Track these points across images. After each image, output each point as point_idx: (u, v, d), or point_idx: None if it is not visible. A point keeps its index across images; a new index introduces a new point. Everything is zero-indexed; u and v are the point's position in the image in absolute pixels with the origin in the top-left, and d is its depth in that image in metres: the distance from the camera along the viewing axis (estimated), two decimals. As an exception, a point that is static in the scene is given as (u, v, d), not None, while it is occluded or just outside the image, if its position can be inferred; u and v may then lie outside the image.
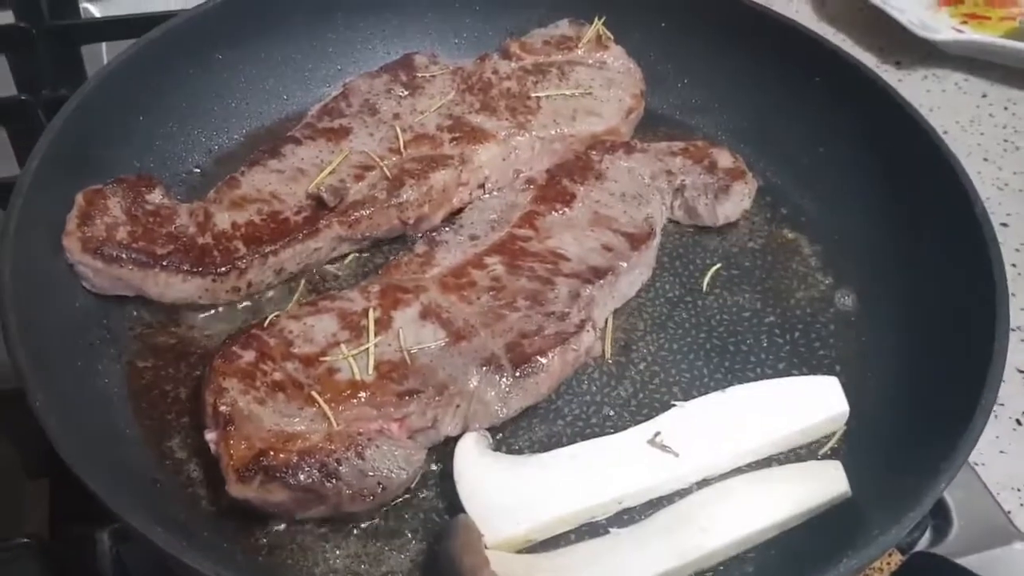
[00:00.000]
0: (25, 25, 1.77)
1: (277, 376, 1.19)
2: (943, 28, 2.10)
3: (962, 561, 1.20)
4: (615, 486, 1.16)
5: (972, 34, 2.09)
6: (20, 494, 1.32)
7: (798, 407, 1.25)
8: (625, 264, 1.38)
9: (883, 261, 1.42)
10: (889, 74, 2.07)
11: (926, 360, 1.28)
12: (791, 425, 1.23)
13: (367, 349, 1.22)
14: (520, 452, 1.24)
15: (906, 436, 1.21)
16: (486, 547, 1.07)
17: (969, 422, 1.08)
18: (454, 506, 1.14)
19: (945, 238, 1.34)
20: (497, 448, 1.23)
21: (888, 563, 1.18)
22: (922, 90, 2.04)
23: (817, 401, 1.25)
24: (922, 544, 1.27)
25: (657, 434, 1.19)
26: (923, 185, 1.41)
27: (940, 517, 1.29)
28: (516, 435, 1.26)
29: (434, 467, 1.22)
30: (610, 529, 1.15)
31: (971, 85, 2.07)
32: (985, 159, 1.89)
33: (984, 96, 2.05)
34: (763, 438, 1.22)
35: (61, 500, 1.27)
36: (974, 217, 1.29)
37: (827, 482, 1.17)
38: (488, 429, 1.23)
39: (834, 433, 1.26)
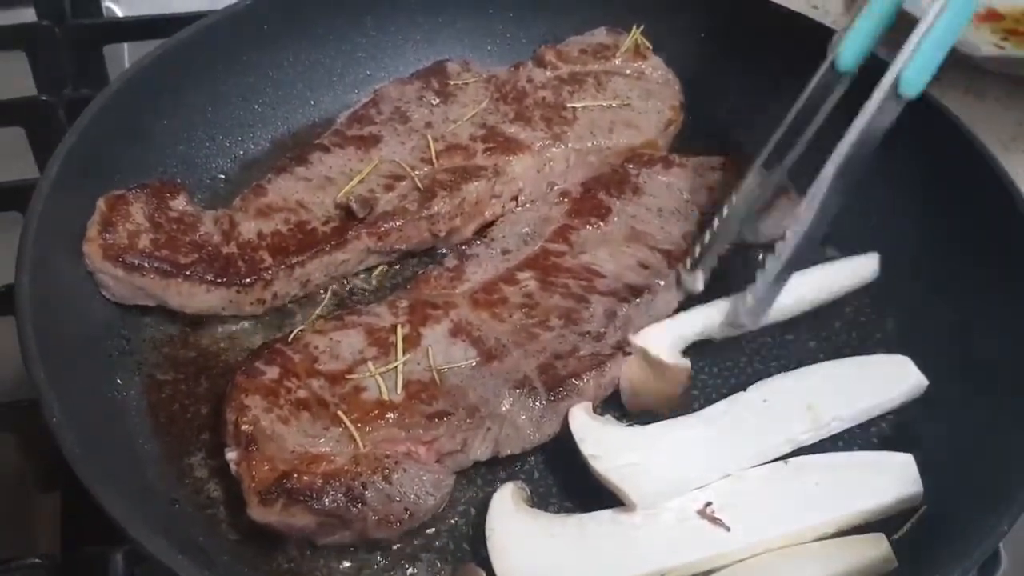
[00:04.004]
0: (47, 24, 1.73)
1: (301, 394, 1.15)
2: (984, 44, 2.04)
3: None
4: (657, 558, 1.07)
5: (1014, 50, 2.03)
6: (31, 509, 1.29)
7: (867, 486, 1.14)
8: (662, 282, 1.34)
9: (931, 282, 1.37)
10: (928, 90, 2.01)
11: (979, 389, 1.22)
12: (858, 506, 1.13)
13: (395, 367, 1.18)
14: (555, 493, 1.19)
15: (958, 471, 1.15)
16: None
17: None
18: (483, 535, 1.09)
19: (1002, 260, 1.28)
20: (534, 490, 1.17)
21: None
22: (962, 106, 1.98)
23: (889, 480, 1.14)
24: (969, 583, 1.22)
25: (708, 504, 1.11)
26: (972, 202, 1.36)
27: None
28: (549, 467, 1.21)
29: (459, 493, 1.17)
30: None
31: (1012, 101, 2.01)
32: (1028, 178, 1.83)
33: (1026, 113, 1.99)
34: (825, 517, 1.11)
35: (73, 516, 1.23)
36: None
37: (870, 553, 1.09)
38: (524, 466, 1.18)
39: (908, 517, 1.14)
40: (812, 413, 1.20)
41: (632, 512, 1.10)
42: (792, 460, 1.17)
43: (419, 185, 1.39)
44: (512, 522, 1.10)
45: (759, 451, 1.17)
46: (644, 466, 1.12)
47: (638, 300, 1.30)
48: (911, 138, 1.43)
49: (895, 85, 1.16)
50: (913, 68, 1.15)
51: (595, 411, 1.20)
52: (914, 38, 1.15)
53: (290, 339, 1.20)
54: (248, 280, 1.27)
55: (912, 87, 1.16)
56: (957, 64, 2.02)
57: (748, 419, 1.19)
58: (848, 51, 1.22)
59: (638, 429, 1.19)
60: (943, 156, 1.43)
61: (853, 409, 1.23)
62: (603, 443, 1.15)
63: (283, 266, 1.29)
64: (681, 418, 1.21)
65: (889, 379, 1.27)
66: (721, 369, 1.32)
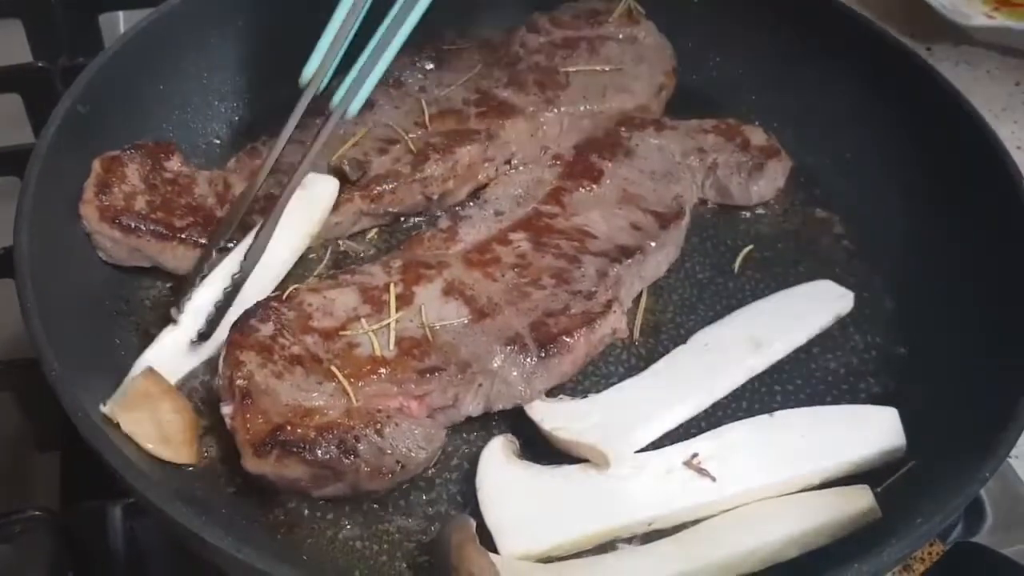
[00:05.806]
0: (43, -9, 1.74)
1: (295, 350, 1.16)
2: (975, 14, 2.05)
3: (997, 554, 1.16)
4: (645, 508, 1.09)
5: (1005, 20, 2.03)
6: (31, 467, 1.31)
7: (851, 439, 1.16)
8: (654, 244, 1.35)
9: (921, 246, 1.38)
10: (920, 58, 2.02)
11: (966, 349, 1.24)
12: (842, 458, 1.14)
13: (388, 325, 1.19)
14: (545, 447, 1.19)
15: (942, 425, 1.17)
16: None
17: (1015, 410, 1.04)
18: (474, 486, 1.11)
19: (987, 223, 1.30)
20: (527, 443, 1.18)
21: (930, 552, 1.15)
22: (953, 77, 1.97)
23: (873, 433, 1.16)
24: (955, 536, 1.24)
25: (695, 456, 1.13)
26: (964, 169, 1.37)
27: (973, 509, 1.25)
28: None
29: (451, 446, 1.19)
30: (618, 545, 1.10)
31: (1003, 72, 2.02)
32: (1019, 147, 1.85)
33: (1017, 84, 2.00)
34: (810, 469, 1.13)
35: (73, 474, 1.25)
36: (1019, 202, 1.25)
37: (854, 504, 1.10)
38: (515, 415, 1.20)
39: (894, 470, 1.15)
40: (755, 342, 1.24)
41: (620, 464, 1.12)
42: (778, 413, 1.18)
43: (412, 148, 1.40)
44: (502, 473, 1.12)
45: (717, 385, 1.21)
46: (608, 424, 1.14)
47: (629, 261, 1.32)
48: (903, 107, 1.46)
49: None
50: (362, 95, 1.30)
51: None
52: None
53: (284, 297, 1.21)
54: (242, 241, 1.28)
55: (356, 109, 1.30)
56: (948, 34, 2.03)
57: (697, 363, 1.23)
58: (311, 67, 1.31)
59: (592, 398, 1.20)
60: (935, 122, 1.44)
61: (793, 331, 1.27)
62: (562, 416, 1.17)
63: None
64: (630, 380, 1.23)
65: (819, 300, 1.32)
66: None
